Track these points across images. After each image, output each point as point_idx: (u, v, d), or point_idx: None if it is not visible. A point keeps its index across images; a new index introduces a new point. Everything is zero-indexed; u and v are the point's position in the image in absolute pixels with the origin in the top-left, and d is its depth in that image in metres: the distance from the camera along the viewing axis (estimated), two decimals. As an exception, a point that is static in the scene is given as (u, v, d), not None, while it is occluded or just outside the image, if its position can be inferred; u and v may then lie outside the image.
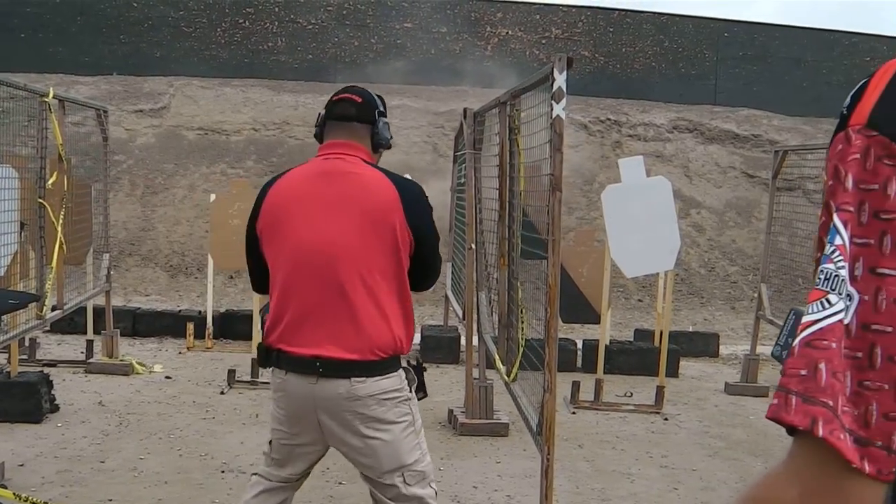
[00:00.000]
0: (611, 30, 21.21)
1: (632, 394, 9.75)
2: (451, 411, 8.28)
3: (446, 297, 11.58)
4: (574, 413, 8.98)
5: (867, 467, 1.14)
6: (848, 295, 1.17)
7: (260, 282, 4.10)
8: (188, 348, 11.09)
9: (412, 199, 3.91)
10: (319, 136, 4.11)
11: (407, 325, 3.93)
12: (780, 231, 12.17)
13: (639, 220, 8.59)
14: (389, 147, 4.11)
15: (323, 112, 4.09)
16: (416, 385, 4.00)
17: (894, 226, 1.15)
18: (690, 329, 14.13)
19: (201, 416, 8.17)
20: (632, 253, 8.69)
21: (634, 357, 11.09)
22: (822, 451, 1.15)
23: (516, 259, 5.79)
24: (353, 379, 3.75)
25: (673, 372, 10.78)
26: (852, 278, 1.17)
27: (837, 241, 1.19)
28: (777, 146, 12.46)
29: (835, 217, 1.20)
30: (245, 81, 19.37)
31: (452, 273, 11.02)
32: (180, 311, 12.32)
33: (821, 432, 1.13)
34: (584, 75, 19.64)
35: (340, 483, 6.54)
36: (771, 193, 11.29)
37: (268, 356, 3.94)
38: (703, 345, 12.70)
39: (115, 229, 14.93)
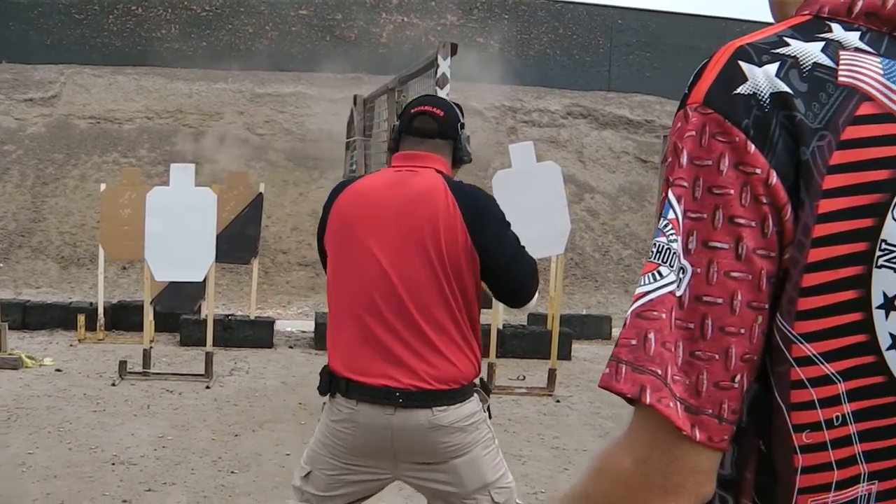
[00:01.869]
0: (506, 16, 21.32)
1: (524, 377, 9.86)
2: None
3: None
4: (467, 397, 9.04)
5: (698, 435, 1.19)
6: (681, 268, 1.21)
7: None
8: (79, 340, 10.93)
9: (473, 214, 3.58)
10: (393, 150, 3.82)
11: (478, 347, 3.66)
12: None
13: (529, 205, 8.64)
14: (470, 161, 3.83)
15: (397, 124, 3.81)
16: (487, 404, 3.73)
17: (726, 200, 1.20)
18: (584, 312, 14.31)
19: (92, 409, 8.08)
20: (522, 237, 8.74)
21: (527, 341, 11.21)
22: (655, 419, 1.20)
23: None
24: (434, 409, 3.49)
25: (565, 355, 10.92)
26: (686, 251, 1.21)
27: (671, 215, 1.24)
28: (667, 131, 12.64)
29: (669, 192, 1.25)
30: (138, 69, 19.13)
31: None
32: (71, 302, 12.12)
33: (648, 400, 1.18)
34: (479, 62, 19.71)
35: (232, 472, 6.53)
36: (660, 177, 11.47)
37: (332, 383, 3.61)
38: (595, 327, 12.88)
39: (4, 220, 14.70)
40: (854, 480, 1.25)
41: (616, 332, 13.04)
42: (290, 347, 11.16)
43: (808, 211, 1.19)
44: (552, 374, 9.39)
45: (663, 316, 1.21)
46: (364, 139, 7.61)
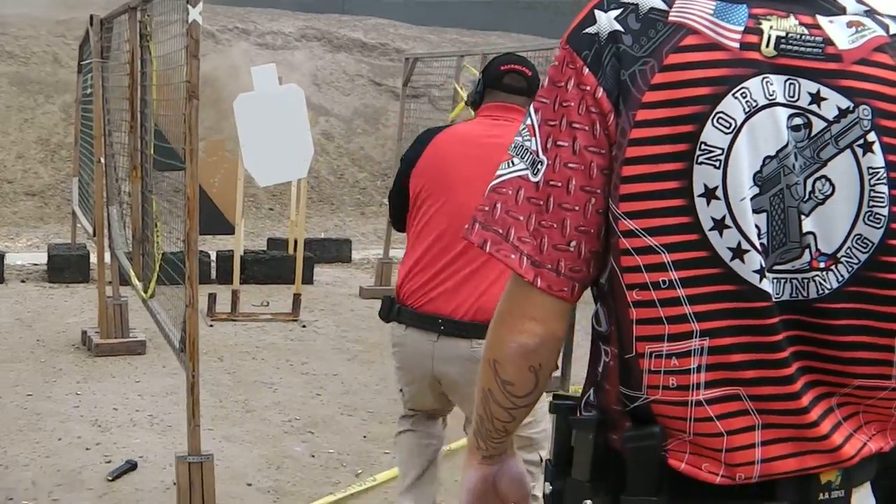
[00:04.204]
0: (235, -65, 20.80)
1: (269, 303, 9.76)
2: (84, 332, 7.98)
3: (73, 213, 11.14)
4: (212, 326, 8.92)
5: (539, 282, 1.57)
6: (539, 161, 1.59)
7: (400, 221, 4.12)
8: None
9: None
10: (477, 104, 4.04)
11: None
12: (409, 137, 12.43)
13: (272, 129, 8.51)
14: None
15: (481, 77, 4.05)
16: None
17: (568, 110, 1.58)
18: (322, 236, 14.30)
19: None
20: (265, 162, 8.60)
21: (269, 266, 11.08)
22: (515, 275, 1.60)
23: (150, 171, 5.62)
24: (473, 341, 3.70)
25: (308, 279, 10.86)
26: (544, 149, 1.59)
27: (528, 122, 1.63)
28: (405, 54, 12.65)
29: (531, 106, 1.64)
30: None
31: (80, 188, 10.60)
32: None
33: (488, 249, 1.60)
34: (209, -18, 19.17)
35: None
36: (402, 101, 11.49)
37: (389, 310, 3.96)
38: (335, 251, 12.89)
39: None
40: (686, 335, 1.54)
41: (356, 254, 13.11)
42: (23, 282, 10.65)
43: (626, 118, 1.53)
44: (297, 300, 9.34)
45: (510, 193, 1.60)
46: (102, 61, 7.28)
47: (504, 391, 1.68)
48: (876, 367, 1.59)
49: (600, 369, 1.68)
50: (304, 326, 9.11)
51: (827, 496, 1.60)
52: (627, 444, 1.59)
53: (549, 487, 1.70)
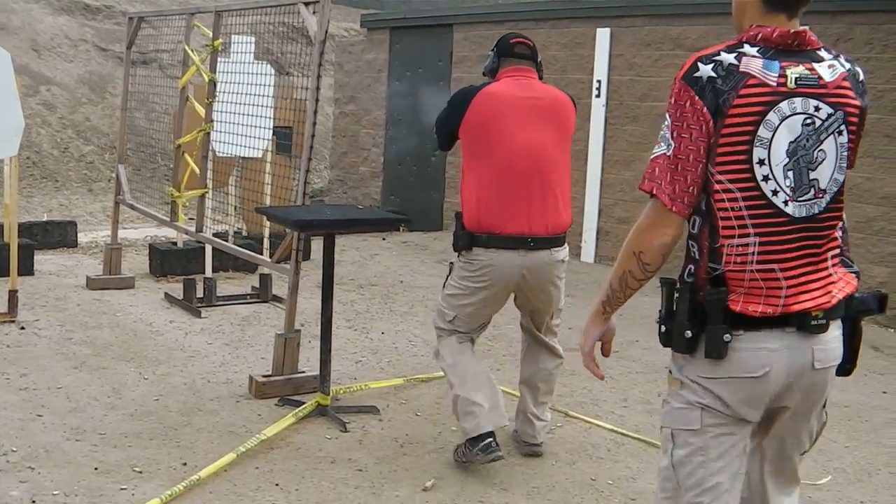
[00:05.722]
0: None
1: (-18, 303, 8.51)
2: None
3: None
4: (-88, 335, 7.59)
5: (674, 208, 2.97)
6: (671, 144, 2.98)
7: (447, 145, 5.56)
8: None
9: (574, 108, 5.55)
10: (495, 70, 5.45)
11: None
12: (136, 107, 11.38)
13: None
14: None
15: (495, 50, 5.46)
16: None
17: (687, 118, 2.97)
18: (45, 218, 12.99)
19: None
20: None
21: (-17, 258, 9.74)
22: (657, 203, 3.00)
23: None
24: (552, 249, 5.26)
25: (28, 270, 9.65)
26: (673, 137, 2.98)
27: (666, 123, 3.01)
28: (126, 17, 11.47)
29: (666, 114, 3.03)
30: None
31: None
32: None
33: (654, 191, 2.99)
34: None
35: None
36: (126, 66, 10.28)
37: (473, 240, 5.23)
38: (60, 235, 11.60)
39: None
40: (747, 235, 2.98)
41: (83, 237, 11.93)
42: None
43: (720, 123, 2.94)
44: (13, 297, 8.11)
45: (661, 161, 3.00)
46: None
47: (643, 268, 3.05)
48: (837, 239, 3.15)
49: (694, 255, 3.05)
50: (22, 328, 7.88)
51: (815, 323, 2.99)
52: (708, 297, 2.98)
53: (663, 328, 3.08)
